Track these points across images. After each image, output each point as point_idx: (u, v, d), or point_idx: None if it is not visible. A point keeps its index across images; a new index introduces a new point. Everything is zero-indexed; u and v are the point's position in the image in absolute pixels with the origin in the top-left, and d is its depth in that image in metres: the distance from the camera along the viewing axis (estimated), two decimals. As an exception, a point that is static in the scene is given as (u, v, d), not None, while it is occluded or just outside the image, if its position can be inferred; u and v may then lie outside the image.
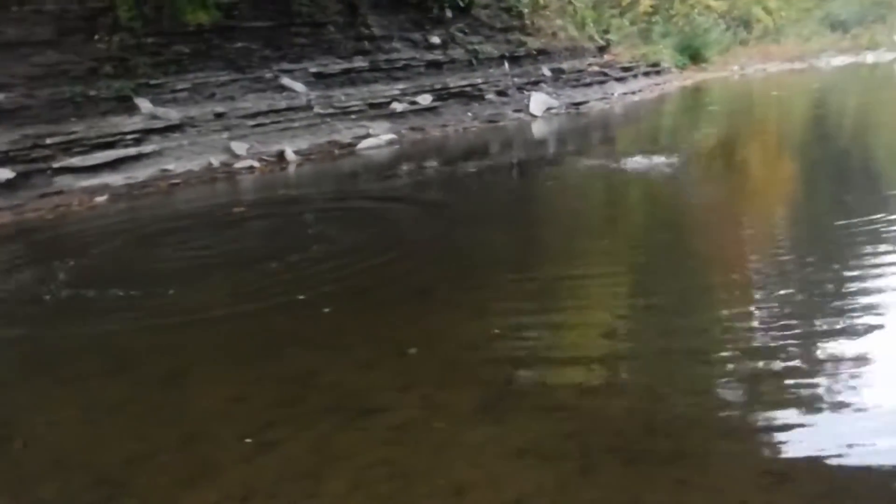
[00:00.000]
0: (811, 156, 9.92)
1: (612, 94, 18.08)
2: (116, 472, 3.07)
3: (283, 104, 12.19)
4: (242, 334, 4.44)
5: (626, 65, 20.05)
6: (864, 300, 4.14)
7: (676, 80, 22.51)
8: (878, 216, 5.57)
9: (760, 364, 3.56)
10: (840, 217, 5.93)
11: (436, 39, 14.94)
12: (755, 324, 4.06)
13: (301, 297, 4.90)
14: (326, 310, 4.67)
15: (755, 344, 3.77)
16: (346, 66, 13.52)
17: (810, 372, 3.40)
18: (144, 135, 10.59)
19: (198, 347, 4.30)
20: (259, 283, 5.38)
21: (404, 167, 11.19)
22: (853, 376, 3.32)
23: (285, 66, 12.79)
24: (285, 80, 12.49)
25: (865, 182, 7.70)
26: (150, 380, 3.91)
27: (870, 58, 29.86)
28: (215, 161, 10.81)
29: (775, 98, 18.51)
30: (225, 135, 11.34)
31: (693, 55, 25.24)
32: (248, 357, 4.10)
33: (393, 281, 5.22)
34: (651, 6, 24.06)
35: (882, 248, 4.96)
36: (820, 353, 3.56)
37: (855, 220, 5.56)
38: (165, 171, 10.35)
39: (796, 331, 3.81)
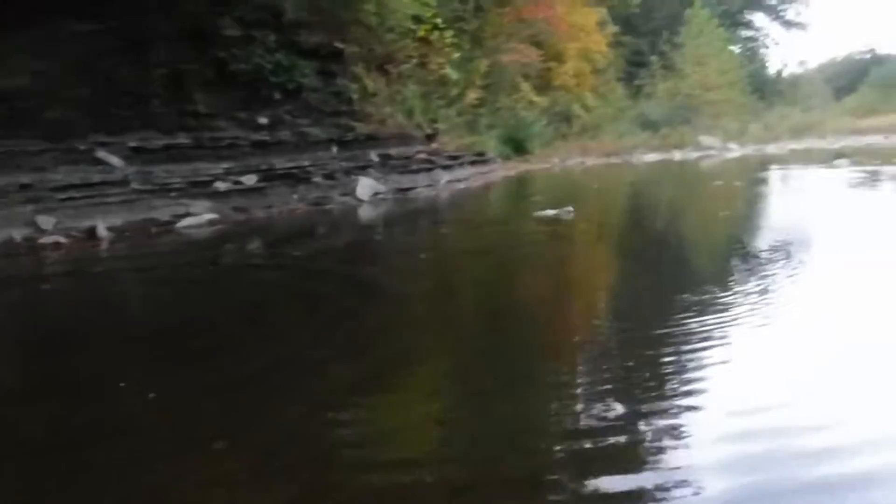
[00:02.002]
0: (631, 247, 10.39)
1: (439, 181, 18.43)
2: None
3: (97, 178, 11.63)
4: (33, 430, 4.05)
5: (453, 153, 20.53)
6: (682, 379, 4.29)
7: (501, 170, 23.27)
8: (686, 315, 5.81)
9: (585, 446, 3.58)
10: (659, 311, 6.18)
11: (263, 120, 14.80)
12: (578, 407, 4.10)
13: (113, 384, 4.57)
14: (150, 396, 4.37)
15: (579, 427, 3.79)
16: (168, 141, 13.11)
17: (632, 453, 3.44)
18: (-61, 205, 9.82)
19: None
20: (61, 367, 5.00)
21: (226, 248, 10.91)
22: (672, 460, 3.38)
23: (103, 138, 12.26)
24: (101, 153, 11.97)
25: (681, 275, 8.09)
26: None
27: (677, 155, 32.14)
28: (17, 235, 10.12)
29: (595, 190, 19.40)
30: (30, 207, 10.67)
31: (517, 147, 26.27)
32: (41, 453, 3.74)
33: (209, 367, 4.95)
34: (477, 99, 24.88)
35: (697, 325, 5.22)
36: (641, 436, 3.62)
37: (672, 319, 5.78)
38: (-40, 244, 9.61)
39: (618, 412, 3.87)
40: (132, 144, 12.52)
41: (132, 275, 8.94)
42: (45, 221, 10.48)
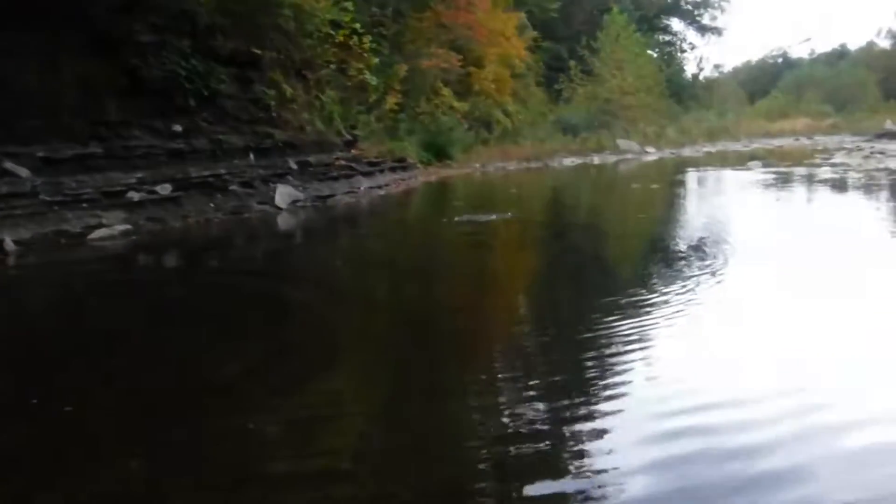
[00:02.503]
0: (551, 251, 10.60)
1: (359, 188, 18.43)
2: None
3: (3, 189, 11.24)
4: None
5: (373, 160, 20.54)
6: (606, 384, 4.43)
7: (422, 176, 23.35)
8: (609, 319, 5.94)
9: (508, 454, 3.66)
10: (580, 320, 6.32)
11: (178, 128, 14.54)
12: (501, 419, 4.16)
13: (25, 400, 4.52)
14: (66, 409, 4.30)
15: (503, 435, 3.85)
16: (79, 151, 12.76)
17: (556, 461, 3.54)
18: None
19: None
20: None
21: (139, 260, 10.73)
22: (595, 465, 3.49)
23: (10, 148, 11.86)
24: (8, 164, 11.61)
25: (603, 278, 8.28)
26: None
27: (596, 159, 32.76)
28: (-82, 250, 9.81)
29: (515, 195, 19.61)
30: (-67, 221, 10.33)
31: (438, 152, 26.35)
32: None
33: (123, 382, 4.89)
34: (397, 104, 24.89)
35: (621, 329, 5.53)
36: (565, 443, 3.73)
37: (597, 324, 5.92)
38: None
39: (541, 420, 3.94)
40: (41, 154, 12.15)
41: (40, 290, 8.75)
42: (-51, 235, 10.16)
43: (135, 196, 12.89)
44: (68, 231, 11.46)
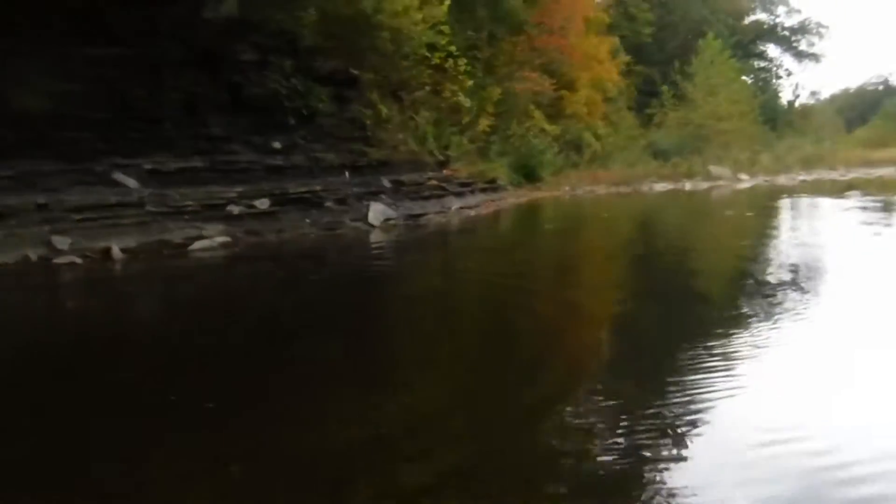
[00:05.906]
0: (649, 285, 10.28)
1: (450, 207, 18.57)
2: None
3: (112, 199, 11.72)
4: (49, 449, 4.09)
5: (464, 180, 20.70)
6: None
7: (512, 198, 23.38)
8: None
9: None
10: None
11: (277, 144, 14.93)
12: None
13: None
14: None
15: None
16: (182, 164, 13.20)
17: None
18: (-44, 223, 9.90)
19: None
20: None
21: (239, 270, 11.00)
22: None
23: (119, 160, 12.34)
24: (118, 175, 12.07)
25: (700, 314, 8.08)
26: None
27: (687, 185, 32.01)
28: (33, 255, 10.23)
29: (605, 219, 19.38)
30: (46, 228, 10.76)
31: (528, 174, 26.34)
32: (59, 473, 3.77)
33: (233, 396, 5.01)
34: (489, 126, 25.02)
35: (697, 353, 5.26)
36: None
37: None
38: (-25, 263, 9.69)
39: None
40: (147, 167, 12.61)
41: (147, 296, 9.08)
42: (61, 241, 10.57)
43: (234, 209, 13.24)
44: (170, 241, 11.84)
